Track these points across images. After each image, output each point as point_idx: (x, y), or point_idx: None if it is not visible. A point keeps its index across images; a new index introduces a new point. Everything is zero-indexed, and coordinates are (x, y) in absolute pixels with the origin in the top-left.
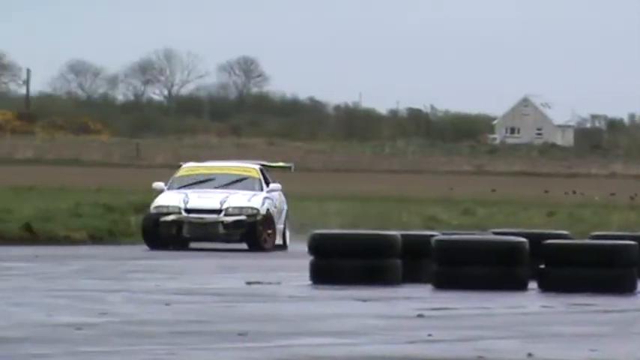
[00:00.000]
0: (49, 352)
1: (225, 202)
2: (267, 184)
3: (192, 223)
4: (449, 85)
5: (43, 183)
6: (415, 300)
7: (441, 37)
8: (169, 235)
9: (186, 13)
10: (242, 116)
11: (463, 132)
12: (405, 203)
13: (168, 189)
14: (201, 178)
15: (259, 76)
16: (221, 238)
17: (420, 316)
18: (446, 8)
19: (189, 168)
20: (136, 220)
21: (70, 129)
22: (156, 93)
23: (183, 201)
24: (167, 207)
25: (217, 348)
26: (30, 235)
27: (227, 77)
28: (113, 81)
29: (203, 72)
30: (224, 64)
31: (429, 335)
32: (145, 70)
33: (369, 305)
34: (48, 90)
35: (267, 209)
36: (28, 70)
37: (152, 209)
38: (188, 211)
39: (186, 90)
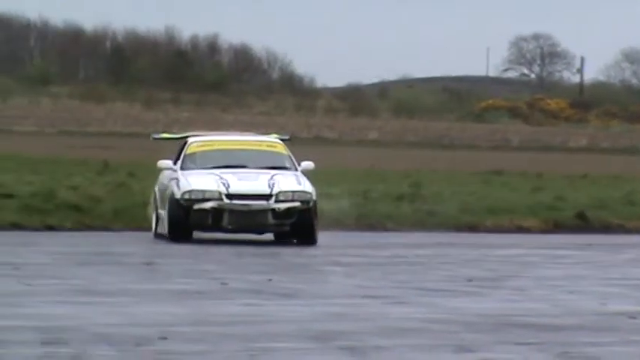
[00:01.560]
0: (603, 341)
1: (273, 185)
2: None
3: (235, 212)
4: None
5: (596, 171)
6: None
7: None
8: (203, 225)
9: None
10: None
11: None
12: None
13: (182, 169)
14: (225, 156)
15: None
16: (270, 229)
17: None
18: None
19: (202, 142)
20: None
21: (624, 117)
22: None
23: (223, 184)
24: (203, 192)
25: None
26: (584, 223)
27: None
28: None
29: None
30: None
31: None
32: None
33: None
34: (602, 78)
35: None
36: (582, 58)
37: (180, 194)
38: (230, 196)
39: None
